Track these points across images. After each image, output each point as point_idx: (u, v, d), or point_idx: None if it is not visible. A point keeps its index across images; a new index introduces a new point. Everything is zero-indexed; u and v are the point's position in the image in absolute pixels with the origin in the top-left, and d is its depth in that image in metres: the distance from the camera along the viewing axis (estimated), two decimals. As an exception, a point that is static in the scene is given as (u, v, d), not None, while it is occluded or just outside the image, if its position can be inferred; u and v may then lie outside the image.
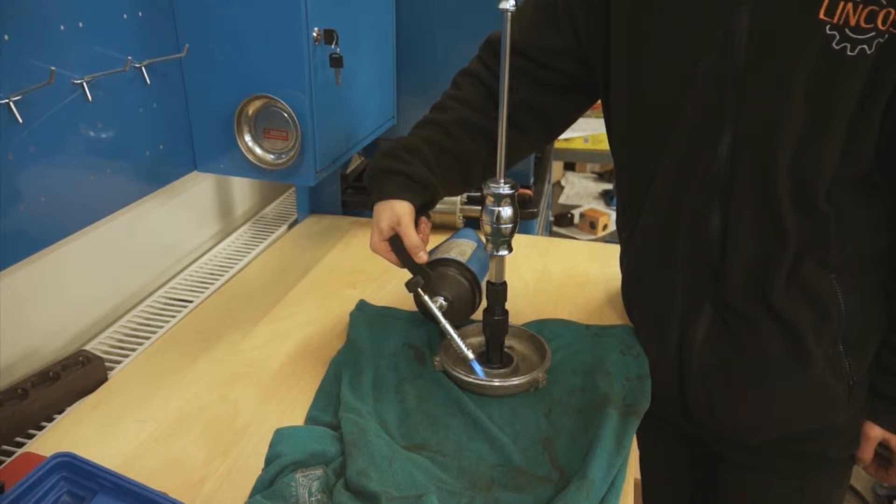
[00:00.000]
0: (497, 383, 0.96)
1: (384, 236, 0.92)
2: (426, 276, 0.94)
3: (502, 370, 0.98)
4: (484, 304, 0.98)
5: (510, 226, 0.91)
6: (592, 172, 4.01)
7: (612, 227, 3.34)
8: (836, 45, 0.74)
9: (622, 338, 1.06)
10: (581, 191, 3.76)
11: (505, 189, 0.89)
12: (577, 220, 3.35)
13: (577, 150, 3.05)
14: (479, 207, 0.94)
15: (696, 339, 0.93)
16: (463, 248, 1.07)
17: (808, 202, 0.82)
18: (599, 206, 3.52)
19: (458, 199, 1.49)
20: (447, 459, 0.84)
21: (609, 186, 3.74)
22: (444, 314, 0.96)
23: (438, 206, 1.47)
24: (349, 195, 1.63)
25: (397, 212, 0.91)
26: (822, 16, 0.73)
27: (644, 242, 0.97)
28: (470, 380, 0.95)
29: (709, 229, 0.87)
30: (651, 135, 0.90)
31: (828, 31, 0.74)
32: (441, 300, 0.99)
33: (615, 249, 1.43)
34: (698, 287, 0.91)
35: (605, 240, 2.78)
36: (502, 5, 0.81)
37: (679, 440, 1.09)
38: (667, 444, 1.11)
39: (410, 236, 0.91)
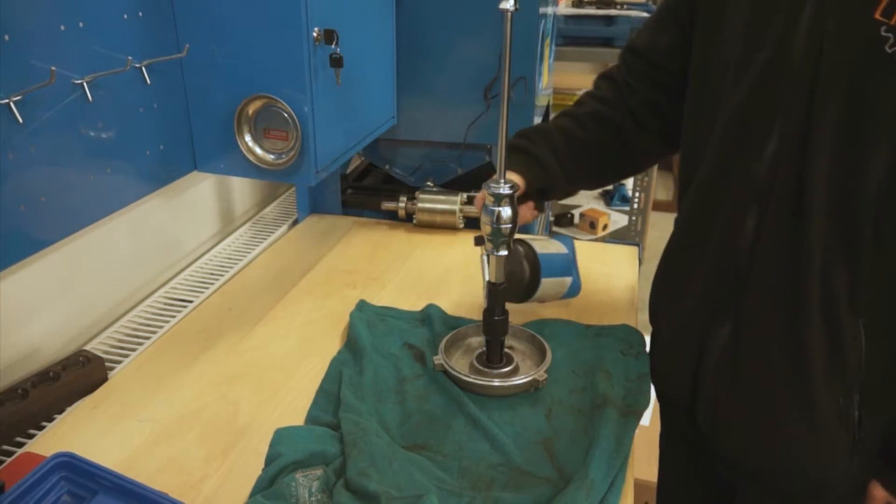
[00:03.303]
0: (497, 383, 0.96)
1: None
2: None
3: (502, 370, 0.98)
4: (482, 303, 0.98)
5: (510, 226, 0.91)
6: (592, 172, 4.01)
7: (612, 227, 3.34)
8: (889, 48, 0.70)
9: (622, 338, 1.07)
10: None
11: (505, 189, 0.90)
12: (577, 220, 3.36)
13: (577, 150, 3.05)
14: (480, 207, 0.94)
15: (713, 351, 0.90)
16: (547, 244, 1.06)
17: (846, 215, 0.77)
18: (599, 206, 3.52)
19: (458, 198, 1.49)
20: (447, 459, 0.84)
21: (609, 186, 3.74)
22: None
23: (438, 207, 1.48)
24: (349, 195, 1.63)
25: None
26: (878, 16, 0.70)
27: (678, 241, 0.96)
28: (470, 380, 0.95)
29: (741, 237, 0.84)
30: (703, 128, 0.89)
31: (883, 33, 0.71)
32: None
33: (615, 249, 1.44)
34: (722, 298, 0.88)
35: (605, 240, 2.78)
36: (502, 5, 0.81)
37: (695, 470, 1.06)
38: (684, 473, 1.09)
39: None
